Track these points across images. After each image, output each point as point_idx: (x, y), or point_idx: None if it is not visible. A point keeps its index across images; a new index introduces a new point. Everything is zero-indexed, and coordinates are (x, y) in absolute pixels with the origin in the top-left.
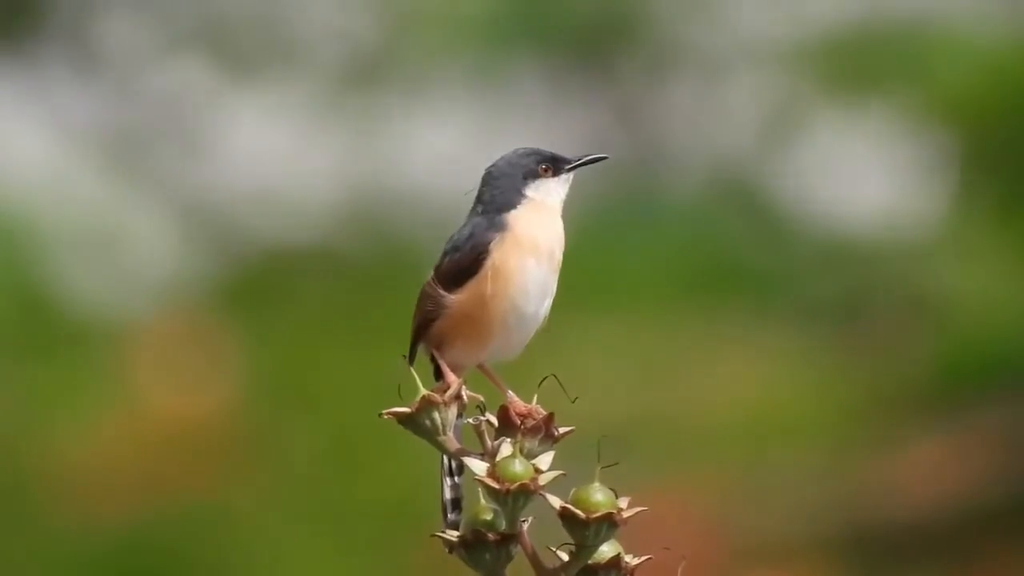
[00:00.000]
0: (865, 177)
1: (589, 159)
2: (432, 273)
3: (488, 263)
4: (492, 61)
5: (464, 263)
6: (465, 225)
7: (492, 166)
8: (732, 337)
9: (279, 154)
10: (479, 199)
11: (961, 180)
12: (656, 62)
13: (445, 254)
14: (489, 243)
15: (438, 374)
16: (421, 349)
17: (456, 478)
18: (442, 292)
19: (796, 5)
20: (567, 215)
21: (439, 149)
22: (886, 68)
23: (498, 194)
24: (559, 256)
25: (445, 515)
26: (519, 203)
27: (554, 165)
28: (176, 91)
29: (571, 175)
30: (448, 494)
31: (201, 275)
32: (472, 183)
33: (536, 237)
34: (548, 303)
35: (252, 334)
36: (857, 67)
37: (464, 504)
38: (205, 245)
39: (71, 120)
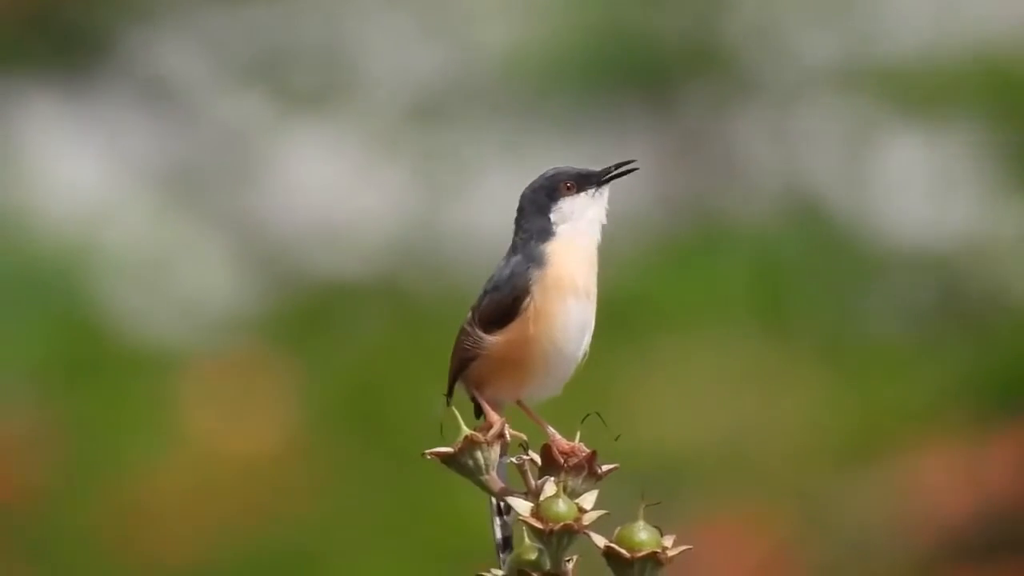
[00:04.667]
0: (941, 191)
1: (617, 171)
2: (471, 313)
3: (530, 304)
4: (555, 96)
5: (505, 304)
6: (505, 263)
7: (523, 193)
8: (801, 359)
9: (338, 187)
10: (516, 227)
11: None
12: (725, 91)
13: (485, 293)
14: (529, 283)
15: (478, 411)
16: (460, 387)
17: (506, 516)
18: (481, 333)
19: (864, 28)
20: (614, 241)
21: (498, 183)
22: (959, 84)
23: (529, 222)
24: (595, 290)
25: (498, 554)
26: (551, 230)
27: (578, 181)
28: (236, 124)
29: (605, 190)
30: (499, 533)
31: (259, 307)
32: None
33: (574, 273)
34: (588, 339)
35: (309, 367)
36: (928, 86)
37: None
38: (263, 277)
39: (132, 152)
